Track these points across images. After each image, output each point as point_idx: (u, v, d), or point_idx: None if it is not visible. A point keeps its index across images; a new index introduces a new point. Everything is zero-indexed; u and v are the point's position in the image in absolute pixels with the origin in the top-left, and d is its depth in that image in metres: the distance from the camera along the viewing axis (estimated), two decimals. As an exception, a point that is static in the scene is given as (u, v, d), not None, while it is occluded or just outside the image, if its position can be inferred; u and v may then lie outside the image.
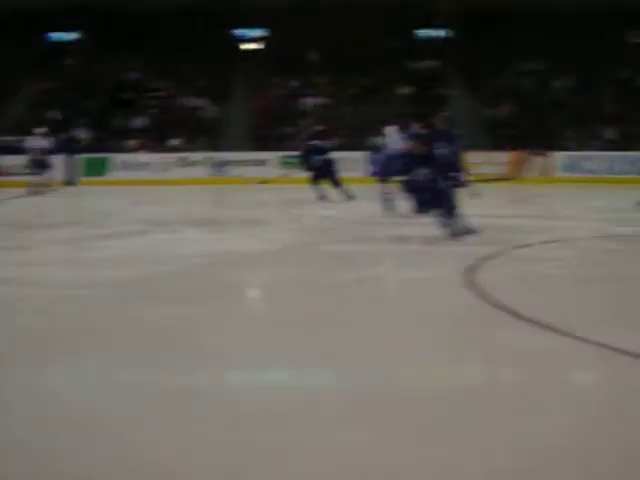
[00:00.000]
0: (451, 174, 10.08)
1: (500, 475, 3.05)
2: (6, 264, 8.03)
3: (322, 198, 15.49)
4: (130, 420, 3.66)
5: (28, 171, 19.16)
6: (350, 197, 15.38)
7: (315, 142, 16.20)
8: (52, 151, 19.96)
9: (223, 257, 8.56)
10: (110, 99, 28.97)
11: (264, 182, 20.54)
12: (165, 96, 29.73)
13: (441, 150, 10.48)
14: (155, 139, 26.57)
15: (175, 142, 26.35)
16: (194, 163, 24.03)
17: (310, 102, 28.98)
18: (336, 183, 15.80)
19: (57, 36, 33.72)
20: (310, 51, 31.10)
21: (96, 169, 23.86)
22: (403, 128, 12.99)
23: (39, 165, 19.07)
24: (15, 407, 3.84)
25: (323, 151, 15.84)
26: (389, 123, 14.21)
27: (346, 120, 27.67)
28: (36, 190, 18.47)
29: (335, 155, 16.73)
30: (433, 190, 9.44)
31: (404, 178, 10.00)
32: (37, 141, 19.40)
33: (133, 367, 4.56)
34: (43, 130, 19.18)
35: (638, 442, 3.36)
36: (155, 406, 3.83)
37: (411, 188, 9.80)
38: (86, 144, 25.76)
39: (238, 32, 33.42)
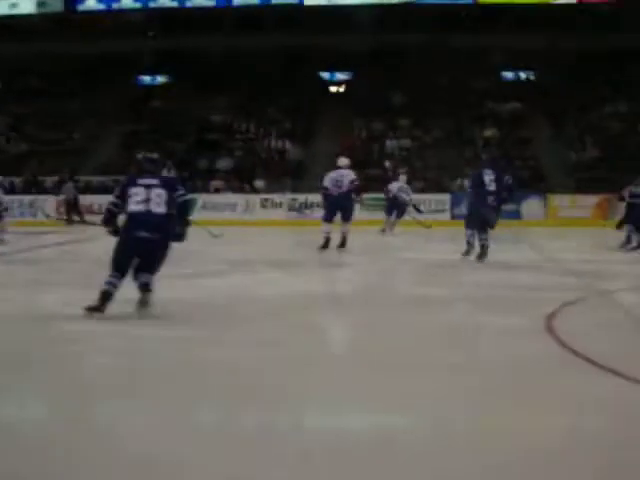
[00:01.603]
0: None
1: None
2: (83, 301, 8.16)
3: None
4: (207, 461, 3.69)
5: None
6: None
7: None
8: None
9: (302, 299, 8.59)
10: (196, 140, 29.52)
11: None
12: (251, 138, 30.17)
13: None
14: (239, 180, 26.94)
15: (259, 183, 26.66)
16: (278, 204, 24.26)
17: (393, 144, 29.04)
18: None
19: (146, 79, 34.62)
20: (394, 93, 31.25)
21: (181, 209, 24.22)
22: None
23: None
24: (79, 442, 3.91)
25: None
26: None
27: (430, 163, 27.66)
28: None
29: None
30: None
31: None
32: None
33: (201, 409, 4.60)
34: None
35: None
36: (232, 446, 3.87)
37: None
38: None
39: (323, 75, 33.78)
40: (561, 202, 23.87)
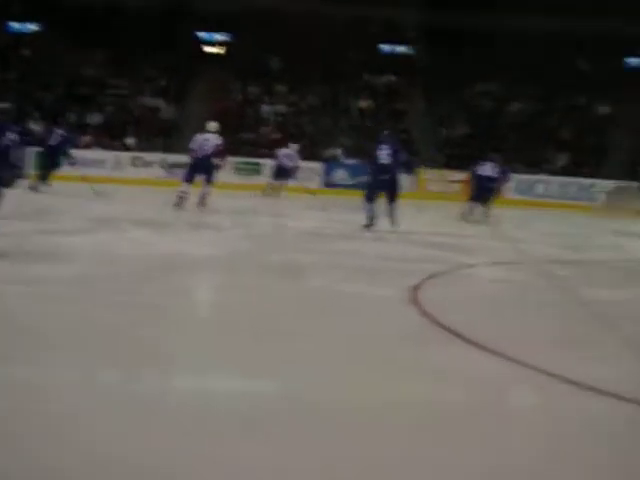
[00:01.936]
0: None
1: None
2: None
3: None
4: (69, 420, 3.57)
5: None
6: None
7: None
8: None
9: (168, 260, 8.46)
10: (66, 93, 28.63)
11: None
12: (123, 94, 29.47)
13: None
14: (110, 137, 26.29)
15: (130, 141, 26.10)
16: (148, 163, 23.80)
17: (269, 110, 28.89)
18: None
19: (16, 26, 33.26)
20: (272, 58, 31.06)
21: (48, 163, 23.43)
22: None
23: None
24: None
25: None
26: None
27: (304, 130, 27.67)
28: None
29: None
30: None
31: None
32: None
33: (64, 365, 4.46)
34: None
35: (575, 467, 3.35)
36: (93, 407, 3.75)
37: None
38: (40, 137, 25.38)
39: (201, 35, 33.24)
40: (431, 176, 24.29)
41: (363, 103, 29.26)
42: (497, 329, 5.96)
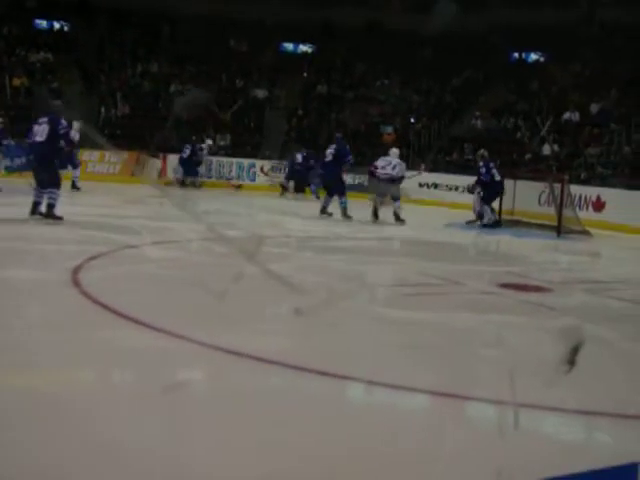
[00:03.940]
0: None
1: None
2: None
3: None
4: None
5: None
6: None
7: None
8: None
9: None
10: None
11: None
12: None
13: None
14: None
15: None
16: None
17: None
18: None
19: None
20: None
21: None
22: None
23: None
24: None
25: None
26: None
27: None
28: None
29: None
30: None
31: None
32: None
33: None
34: None
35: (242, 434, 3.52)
36: None
37: None
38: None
39: None
40: (90, 157, 23.79)
41: (16, 81, 27.93)
42: (159, 307, 6.05)
